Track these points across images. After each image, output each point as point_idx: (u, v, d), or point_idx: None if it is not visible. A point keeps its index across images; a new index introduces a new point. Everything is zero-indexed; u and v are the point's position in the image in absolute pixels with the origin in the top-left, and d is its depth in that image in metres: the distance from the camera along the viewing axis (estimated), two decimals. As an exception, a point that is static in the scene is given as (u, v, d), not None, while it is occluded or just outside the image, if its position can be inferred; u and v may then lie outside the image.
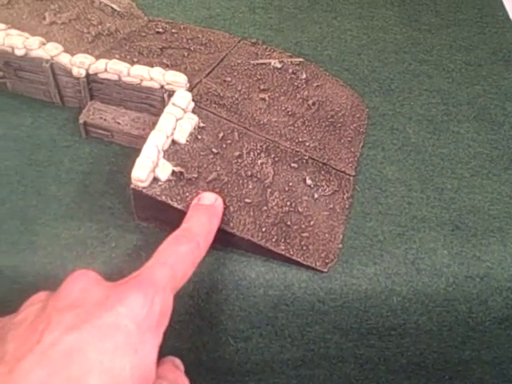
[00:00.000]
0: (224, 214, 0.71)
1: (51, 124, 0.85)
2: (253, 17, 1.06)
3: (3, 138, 0.82)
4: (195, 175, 0.73)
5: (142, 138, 0.80)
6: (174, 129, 0.74)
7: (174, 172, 0.72)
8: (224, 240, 0.72)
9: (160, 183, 0.70)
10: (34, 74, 0.85)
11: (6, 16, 0.90)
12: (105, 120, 0.82)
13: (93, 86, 0.83)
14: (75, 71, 0.81)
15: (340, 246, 0.73)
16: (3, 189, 0.77)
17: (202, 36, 0.96)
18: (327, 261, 0.72)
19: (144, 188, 0.69)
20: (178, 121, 0.75)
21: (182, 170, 0.72)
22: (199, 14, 1.05)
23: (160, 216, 0.73)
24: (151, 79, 0.80)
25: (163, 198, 0.69)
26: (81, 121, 0.82)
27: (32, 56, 0.82)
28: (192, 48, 0.93)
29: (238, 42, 0.97)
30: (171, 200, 0.69)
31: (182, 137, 0.75)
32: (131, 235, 0.73)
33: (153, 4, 1.06)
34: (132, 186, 0.69)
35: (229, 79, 0.88)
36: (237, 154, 0.77)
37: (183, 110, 0.77)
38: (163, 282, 0.55)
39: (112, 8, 0.97)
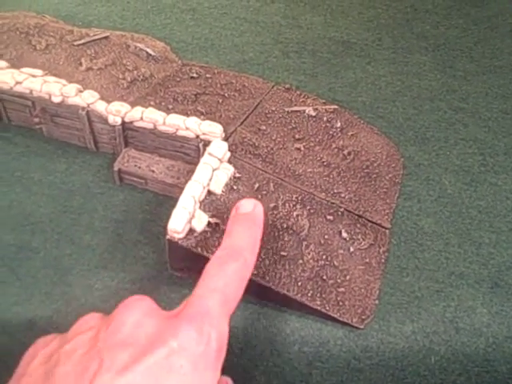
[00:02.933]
0: (259, 267, 0.70)
1: (85, 170, 0.85)
2: (286, 61, 1.06)
3: (38, 184, 0.83)
4: (231, 227, 0.72)
5: (176, 187, 0.80)
6: (211, 179, 0.74)
7: (209, 223, 0.71)
8: (259, 293, 0.71)
9: (196, 234, 0.70)
10: (70, 121, 0.85)
11: (44, 62, 0.91)
12: (139, 168, 0.82)
13: (128, 133, 0.83)
14: (111, 119, 0.81)
15: (376, 301, 0.72)
16: (38, 237, 0.76)
17: (236, 81, 0.97)
18: (364, 317, 0.70)
19: (180, 239, 0.68)
20: (214, 171, 0.75)
21: (218, 221, 0.71)
22: (232, 58, 1.05)
23: (194, 267, 0.72)
24: (187, 129, 0.80)
25: (199, 249, 0.69)
26: (115, 168, 0.82)
27: (69, 103, 0.83)
28: (226, 94, 0.93)
29: (272, 87, 0.97)
30: (207, 252, 0.69)
31: (218, 187, 0.74)
32: (165, 287, 0.73)
33: (187, 48, 1.06)
34: (168, 237, 0.69)
35: (264, 128, 0.87)
36: (272, 205, 0.76)
37: (219, 160, 0.76)
38: (217, 312, 0.51)
39: (147, 52, 0.98)
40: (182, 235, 0.69)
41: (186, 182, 0.79)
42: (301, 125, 0.89)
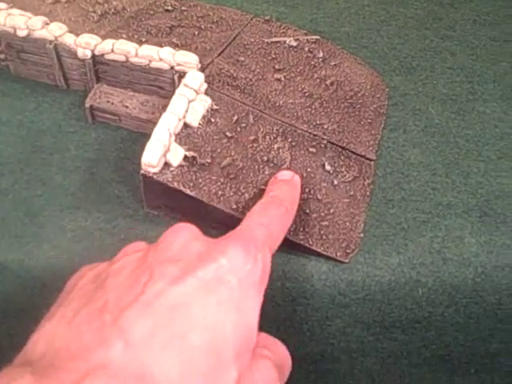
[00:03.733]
0: (239, 202, 0.67)
1: (56, 109, 0.81)
2: (266, -7, 1.01)
3: (6, 124, 0.79)
4: (209, 160, 0.69)
5: (151, 122, 0.76)
6: (187, 111, 0.70)
7: (186, 157, 0.68)
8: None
9: (172, 169, 0.67)
10: (38, 56, 0.81)
11: (8, -6, 0.86)
12: (112, 104, 0.78)
13: (99, 67, 0.79)
14: (80, 52, 0.77)
15: (361, 235, 0.69)
16: (6, 178, 0.73)
17: (213, 14, 0.92)
18: (348, 251, 0.68)
19: (155, 174, 0.65)
20: (190, 103, 0.71)
21: (195, 154, 0.68)
22: (210, -10, 1.00)
23: (171, 203, 0.69)
24: (160, 60, 0.76)
25: (175, 184, 0.65)
26: (87, 105, 0.78)
27: (35, 37, 0.78)
28: (203, 26, 0.88)
29: (251, 19, 0.92)
30: (183, 186, 0.66)
31: (195, 120, 0.71)
32: (141, 225, 0.70)
33: (162, -21, 1.01)
34: (142, 171, 0.65)
35: (242, 59, 0.83)
36: (252, 138, 0.73)
37: (195, 91, 0.72)
38: (262, 240, 0.53)
39: (119, -16, 0.93)
40: (156, 169, 0.65)
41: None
42: (281, 55, 0.85)
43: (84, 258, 0.66)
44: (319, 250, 0.67)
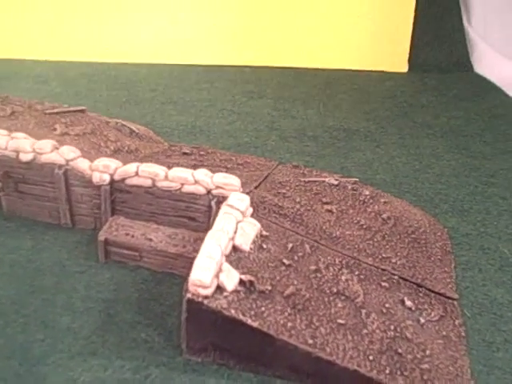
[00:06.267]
0: (315, 337, 0.51)
1: (58, 247, 0.67)
2: (286, 145, 0.93)
3: (-4, 263, 0.63)
4: (269, 287, 0.54)
5: (183, 257, 0.62)
6: (235, 232, 0.57)
7: (242, 281, 0.53)
8: (317, 373, 0.51)
9: (226, 294, 0.52)
10: (41, 187, 0.68)
11: (9, 126, 0.74)
12: (132, 236, 0.64)
13: (117, 196, 0.66)
14: (97, 177, 0.64)
15: (472, 382, 0.53)
16: (-5, 321, 0.55)
17: (236, 159, 0.82)
18: (461, 401, 0.51)
19: (206, 298, 0.50)
20: (238, 223, 0.58)
21: (253, 278, 0.53)
22: (226, 142, 0.92)
23: (222, 342, 0.53)
24: (196, 182, 0.63)
25: (232, 312, 0.50)
26: (101, 238, 0.63)
27: (42, 161, 0.66)
28: (229, 166, 0.78)
29: (277, 165, 0.82)
30: (243, 315, 0.50)
31: (245, 243, 0.57)
32: (180, 376, 0.52)
33: (172, 133, 0.93)
34: (189, 295, 0.50)
35: (283, 191, 0.72)
36: (313, 267, 0.59)
37: (242, 213, 0.60)
38: None
39: (130, 129, 0.83)
40: (209, 291, 0.50)
41: (195, 250, 0.62)
42: (324, 191, 0.74)
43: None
44: (426, 399, 0.50)
